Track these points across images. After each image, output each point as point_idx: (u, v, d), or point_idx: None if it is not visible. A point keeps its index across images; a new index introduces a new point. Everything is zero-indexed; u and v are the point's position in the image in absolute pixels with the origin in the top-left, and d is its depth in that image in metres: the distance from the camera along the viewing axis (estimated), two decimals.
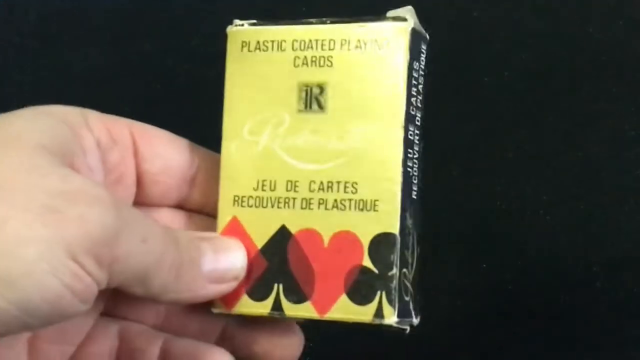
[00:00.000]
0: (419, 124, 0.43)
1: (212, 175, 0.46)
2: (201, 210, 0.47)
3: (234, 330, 0.45)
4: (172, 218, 0.47)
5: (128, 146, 0.45)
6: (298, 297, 0.42)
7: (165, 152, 0.46)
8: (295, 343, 0.45)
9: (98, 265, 0.36)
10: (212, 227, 0.46)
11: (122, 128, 0.45)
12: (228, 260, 0.42)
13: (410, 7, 0.42)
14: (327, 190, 0.42)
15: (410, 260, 0.42)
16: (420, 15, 0.42)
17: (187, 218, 0.47)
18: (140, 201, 0.47)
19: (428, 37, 0.43)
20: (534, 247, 0.52)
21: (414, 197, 0.42)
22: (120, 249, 0.37)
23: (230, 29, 0.44)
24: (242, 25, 0.44)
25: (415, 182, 0.42)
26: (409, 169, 0.42)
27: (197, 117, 0.50)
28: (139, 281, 0.39)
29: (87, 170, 0.42)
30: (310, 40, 0.43)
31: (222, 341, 0.46)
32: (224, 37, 0.44)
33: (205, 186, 0.47)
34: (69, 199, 0.35)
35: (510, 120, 0.53)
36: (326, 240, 0.42)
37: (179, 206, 0.47)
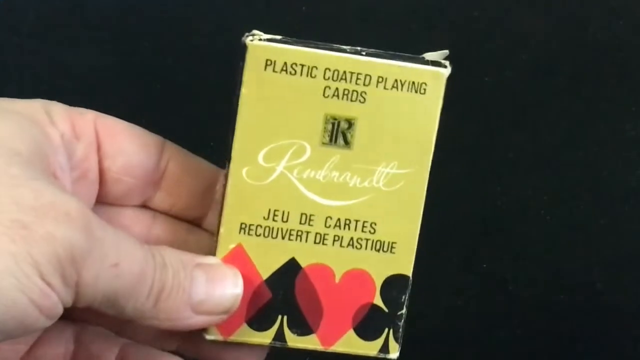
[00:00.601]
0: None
1: (182, 176, 0.43)
2: (168, 212, 0.44)
3: (200, 337, 0.44)
4: (135, 219, 0.43)
5: (91, 141, 0.41)
6: (303, 329, 0.42)
7: (129, 149, 0.42)
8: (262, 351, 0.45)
9: (64, 285, 0.35)
10: (178, 231, 0.43)
11: (87, 122, 0.41)
12: (221, 292, 0.40)
13: (446, 52, 0.41)
14: (344, 228, 0.42)
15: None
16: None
17: (151, 219, 0.44)
18: (103, 200, 0.42)
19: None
20: (535, 247, 0.52)
21: None
22: (88, 271, 0.35)
23: (250, 42, 0.40)
24: (265, 39, 0.40)
25: None
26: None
27: (197, 117, 0.47)
28: (109, 304, 0.37)
29: (59, 170, 0.39)
30: (345, 72, 0.41)
31: (186, 344, 0.44)
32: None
33: (174, 188, 0.43)
34: (39, 215, 0.34)
35: (510, 120, 0.52)
36: (338, 276, 0.42)
37: (145, 206, 0.44)
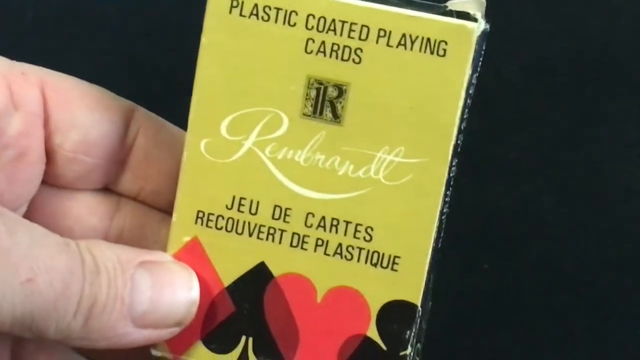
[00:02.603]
0: (459, 150, 0.31)
1: (154, 152, 0.35)
2: (136, 197, 0.35)
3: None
4: (93, 206, 0.35)
5: (36, 112, 0.33)
6: (273, 357, 0.32)
7: (87, 121, 0.34)
8: None
9: None
10: (148, 221, 0.35)
11: (30, 86, 0.33)
12: (171, 298, 0.31)
13: (481, 0, 0.30)
14: (330, 230, 0.31)
15: (424, 328, 0.32)
16: None
17: (115, 206, 0.35)
18: (52, 182, 0.35)
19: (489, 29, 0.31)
20: (536, 247, 0.51)
21: (438, 246, 0.32)
22: None
23: None
24: None
25: (442, 227, 0.32)
26: (443, 217, 0.31)
27: None
28: (24, 328, 0.28)
29: None
30: (334, 20, 0.30)
31: None
32: None
33: (144, 167, 0.35)
34: None
35: (510, 120, 0.51)
36: (320, 294, 0.32)
37: (107, 188, 0.35)
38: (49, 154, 0.33)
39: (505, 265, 0.51)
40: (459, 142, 0.31)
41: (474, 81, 0.30)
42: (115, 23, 0.50)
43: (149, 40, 0.50)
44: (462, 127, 0.31)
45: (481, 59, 0.30)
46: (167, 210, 0.35)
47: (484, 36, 0.30)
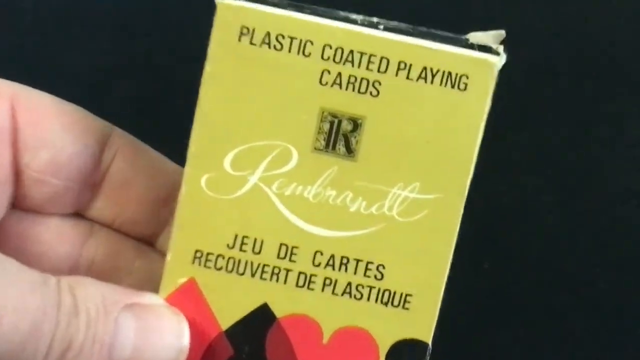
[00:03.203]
0: None
1: (132, 178, 0.32)
2: (111, 224, 0.33)
3: None
4: (62, 233, 0.32)
5: (4, 128, 0.30)
6: None
7: (58, 140, 0.31)
8: None
9: None
10: (122, 251, 0.33)
11: (0, 99, 0.30)
12: (157, 345, 0.29)
13: (501, 33, 0.29)
14: (339, 269, 0.30)
15: None
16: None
17: (86, 233, 0.33)
18: (20, 205, 0.32)
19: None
20: (536, 247, 0.50)
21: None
22: None
23: (220, 0, 0.29)
24: None
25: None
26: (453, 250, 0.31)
27: None
28: None
29: None
30: (353, 52, 0.29)
31: None
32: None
33: (120, 193, 0.32)
34: None
35: (511, 120, 0.50)
36: (327, 335, 0.30)
37: (81, 214, 0.33)
38: (17, 174, 0.31)
39: (506, 264, 0.51)
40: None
41: (488, 112, 0.30)
42: (115, 23, 0.49)
43: (149, 40, 0.48)
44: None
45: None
46: (144, 240, 0.33)
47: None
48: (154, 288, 0.30)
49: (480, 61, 0.29)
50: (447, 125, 0.29)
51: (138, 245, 0.33)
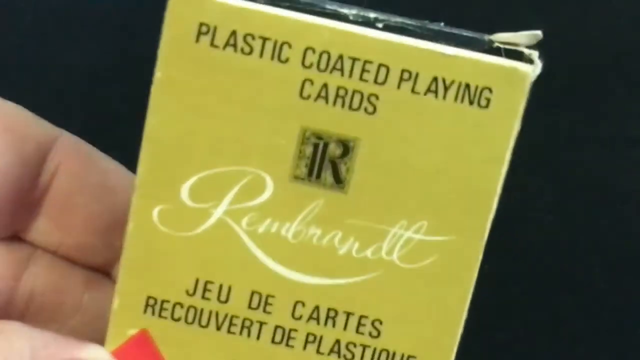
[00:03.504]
0: None
1: (78, 195, 0.27)
2: (56, 251, 0.27)
3: None
4: None
5: None
6: None
7: None
8: None
9: None
10: (67, 283, 0.27)
11: None
12: None
13: (536, 33, 0.22)
14: (325, 323, 0.24)
15: None
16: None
17: (24, 261, 0.27)
18: None
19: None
20: (536, 247, 0.50)
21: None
22: None
23: None
24: None
25: None
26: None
27: None
28: None
29: None
30: (342, 57, 0.22)
31: None
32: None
33: (64, 213, 0.27)
34: None
35: None
36: None
37: (19, 238, 0.27)
38: None
39: (506, 265, 0.48)
40: None
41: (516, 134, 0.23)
42: (115, 23, 0.48)
43: (149, 40, 0.45)
44: None
45: None
46: (96, 269, 0.27)
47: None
48: (106, 328, 0.25)
49: (507, 70, 0.22)
50: (463, 152, 0.23)
51: (88, 276, 0.27)
